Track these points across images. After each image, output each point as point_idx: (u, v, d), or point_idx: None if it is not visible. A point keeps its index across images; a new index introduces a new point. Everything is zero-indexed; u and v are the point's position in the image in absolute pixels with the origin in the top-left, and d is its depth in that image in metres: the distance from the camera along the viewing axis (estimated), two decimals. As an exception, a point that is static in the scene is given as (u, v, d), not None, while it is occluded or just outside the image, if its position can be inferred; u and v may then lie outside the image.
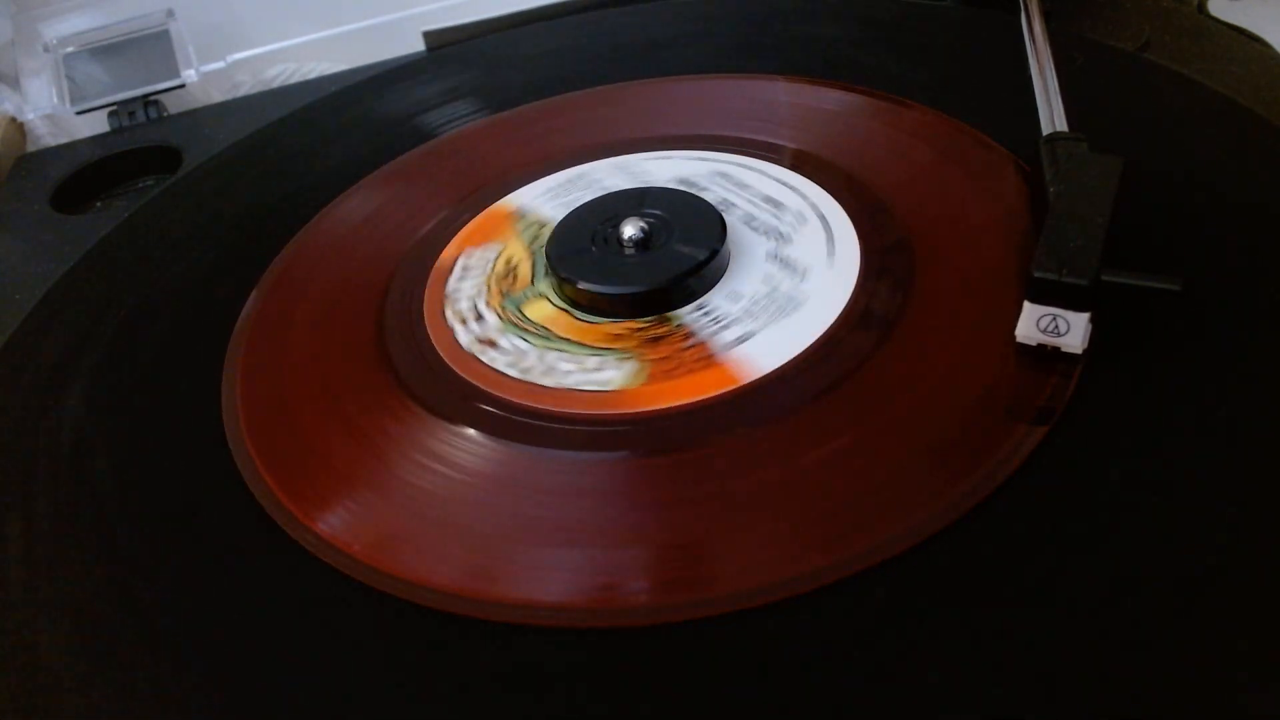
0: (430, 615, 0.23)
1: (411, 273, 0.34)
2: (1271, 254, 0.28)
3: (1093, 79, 0.36)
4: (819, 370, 0.27)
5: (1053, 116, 0.32)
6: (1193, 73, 0.37)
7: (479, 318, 0.31)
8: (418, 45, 0.50)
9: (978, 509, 0.23)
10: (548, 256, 0.32)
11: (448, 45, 0.50)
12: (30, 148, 0.49)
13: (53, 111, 0.49)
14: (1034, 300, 0.26)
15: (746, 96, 0.40)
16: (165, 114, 0.49)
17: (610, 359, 0.29)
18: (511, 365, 0.29)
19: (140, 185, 0.46)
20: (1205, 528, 0.22)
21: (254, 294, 0.34)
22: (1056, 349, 0.26)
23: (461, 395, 0.28)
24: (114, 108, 0.48)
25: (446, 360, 0.30)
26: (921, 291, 0.29)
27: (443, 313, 0.32)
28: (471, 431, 0.27)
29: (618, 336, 0.29)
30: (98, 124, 0.48)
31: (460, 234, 0.35)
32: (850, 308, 0.29)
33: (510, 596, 0.23)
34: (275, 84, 0.52)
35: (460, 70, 0.47)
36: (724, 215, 0.32)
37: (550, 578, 0.23)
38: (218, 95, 0.51)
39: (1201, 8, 0.45)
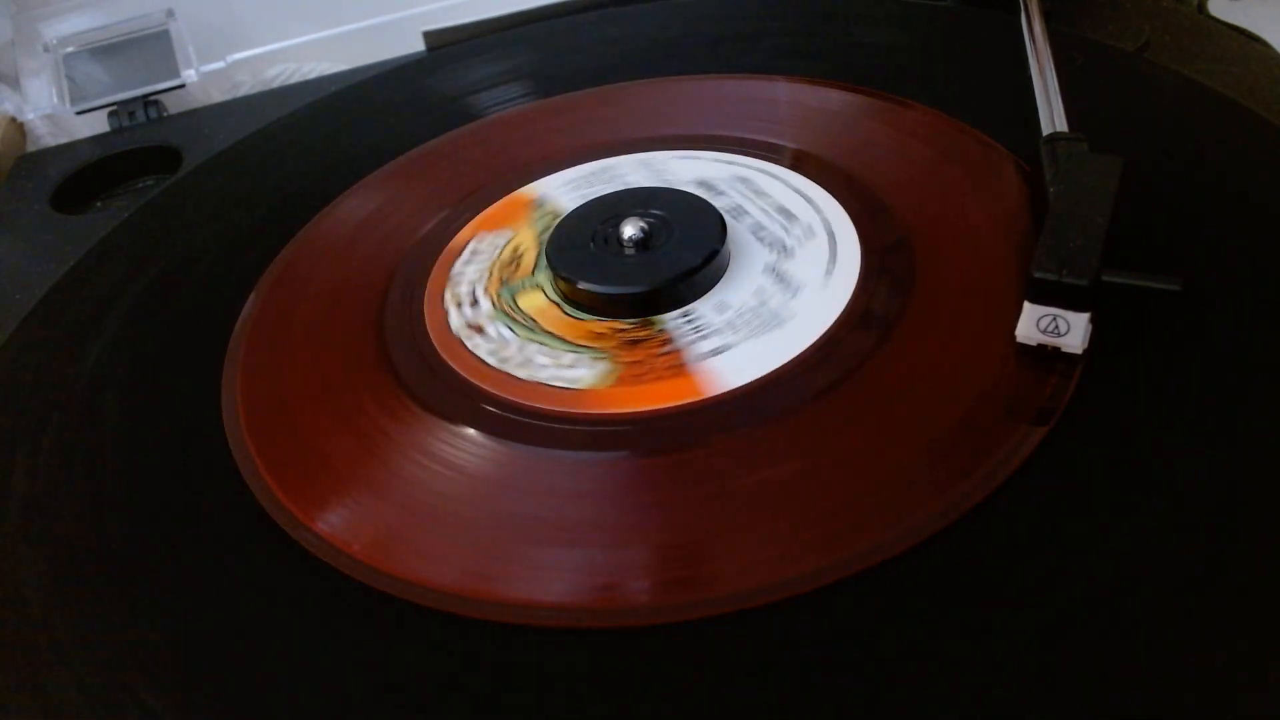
0: (430, 615, 0.23)
1: (416, 263, 0.34)
2: (1271, 254, 0.28)
3: (1093, 79, 0.36)
4: (819, 370, 0.27)
5: (1053, 116, 0.32)
6: (1193, 73, 0.37)
7: (474, 303, 0.31)
8: (418, 45, 0.50)
9: (978, 509, 0.23)
10: (546, 248, 0.32)
11: (448, 45, 0.50)
12: (30, 148, 0.49)
13: (53, 111, 0.49)
14: (1034, 300, 0.26)
15: (746, 96, 0.40)
16: (165, 114, 0.49)
17: (585, 357, 0.29)
18: (492, 354, 0.29)
19: (140, 185, 0.46)
20: (1205, 527, 0.22)
21: (254, 294, 0.34)
22: (1057, 349, 0.26)
23: (462, 395, 0.28)
24: (114, 108, 0.48)
25: (434, 342, 0.30)
26: (921, 291, 0.29)
27: (443, 294, 0.32)
28: (472, 431, 0.27)
29: (599, 335, 0.29)
30: (98, 124, 0.48)
31: (478, 217, 0.35)
32: (846, 316, 0.28)
33: (510, 596, 0.23)
34: (275, 84, 0.52)
35: (462, 70, 0.47)
36: (733, 222, 0.31)
37: (550, 578, 0.23)
38: (218, 95, 0.51)
39: (1201, 8, 0.45)
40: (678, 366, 0.28)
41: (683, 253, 0.30)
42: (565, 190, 0.36)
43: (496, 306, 0.31)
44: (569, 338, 0.29)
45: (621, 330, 0.29)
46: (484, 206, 0.36)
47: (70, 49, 0.50)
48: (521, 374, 0.28)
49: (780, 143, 0.36)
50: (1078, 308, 0.25)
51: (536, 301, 0.31)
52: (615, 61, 0.44)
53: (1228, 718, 0.19)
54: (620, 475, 0.26)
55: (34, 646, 0.23)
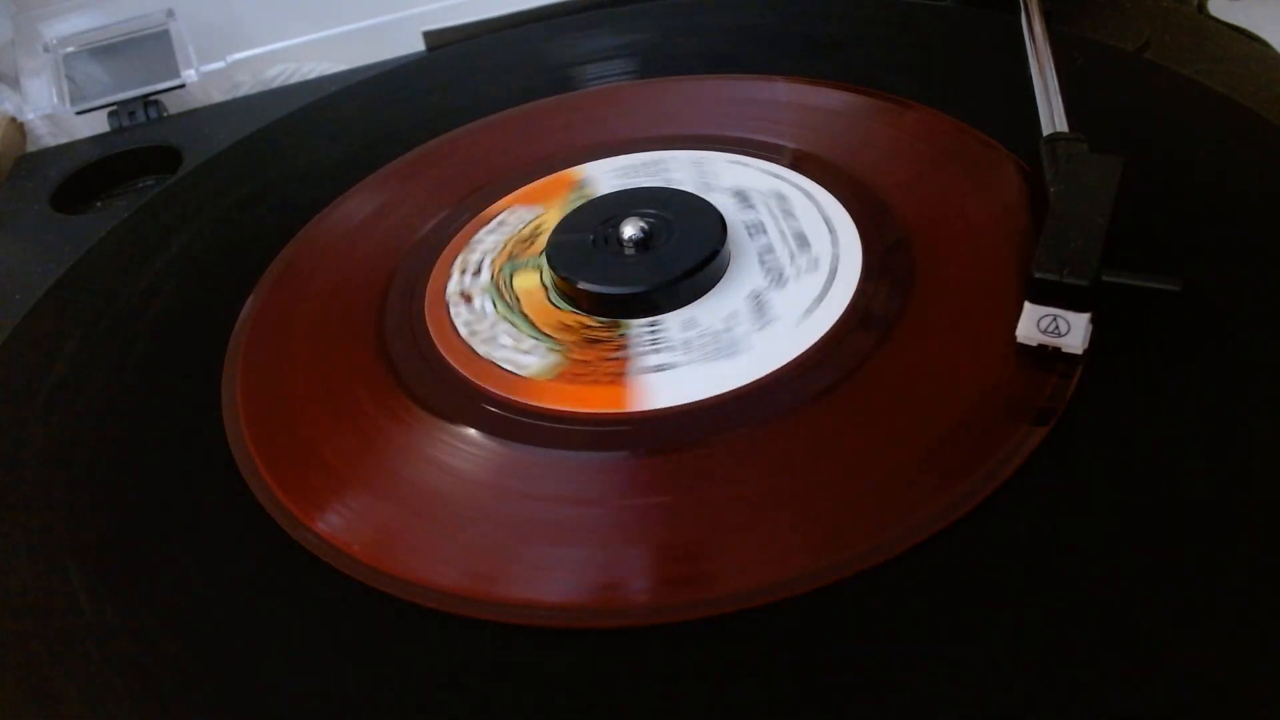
0: (430, 615, 0.23)
1: (416, 262, 0.34)
2: (1271, 254, 0.28)
3: (1093, 79, 0.36)
4: (819, 370, 0.27)
5: (1053, 116, 0.32)
6: (1193, 73, 0.37)
7: (477, 272, 0.31)
8: (418, 45, 0.50)
9: (978, 509, 0.23)
10: (551, 234, 0.32)
11: (448, 45, 0.50)
12: (30, 148, 0.49)
13: (53, 111, 0.49)
14: (1034, 300, 0.26)
15: (746, 96, 0.40)
16: (165, 114, 0.49)
17: (543, 346, 0.29)
18: (466, 325, 0.29)
19: (140, 185, 0.46)
20: (1205, 527, 0.22)
21: (254, 294, 0.34)
22: (1057, 349, 0.26)
23: (463, 394, 0.28)
24: (114, 108, 0.48)
25: (426, 306, 0.30)
26: (922, 291, 0.29)
27: (455, 259, 0.32)
28: (473, 432, 0.27)
29: (565, 328, 0.30)
30: (98, 124, 0.48)
31: (519, 190, 0.36)
32: (808, 355, 0.27)
33: (510, 596, 0.23)
34: (275, 84, 0.52)
35: (462, 69, 0.47)
36: (746, 239, 0.31)
37: (550, 578, 0.23)
38: (218, 95, 0.51)
39: (1201, 8, 0.45)
40: (618, 375, 0.28)
41: (670, 263, 0.30)
42: (610, 176, 0.36)
43: (493, 280, 0.31)
44: (538, 323, 0.30)
45: (588, 327, 0.30)
46: (484, 206, 0.36)
47: (70, 49, 0.50)
48: (481, 349, 0.29)
49: (779, 143, 0.36)
50: (1078, 308, 0.25)
51: (529, 283, 0.31)
52: (550, 75, 0.44)
53: (1228, 718, 0.18)
54: (620, 475, 0.26)
55: (34, 646, 0.23)
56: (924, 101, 0.37)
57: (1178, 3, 0.44)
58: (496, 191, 0.37)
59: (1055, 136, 0.31)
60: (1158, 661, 0.19)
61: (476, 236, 0.33)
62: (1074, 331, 0.25)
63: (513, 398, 0.28)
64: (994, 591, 0.21)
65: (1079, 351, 0.25)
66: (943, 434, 0.25)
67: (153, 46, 0.50)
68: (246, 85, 0.52)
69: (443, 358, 0.30)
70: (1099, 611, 0.20)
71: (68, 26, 0.52)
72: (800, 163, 0.35)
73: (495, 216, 0.34)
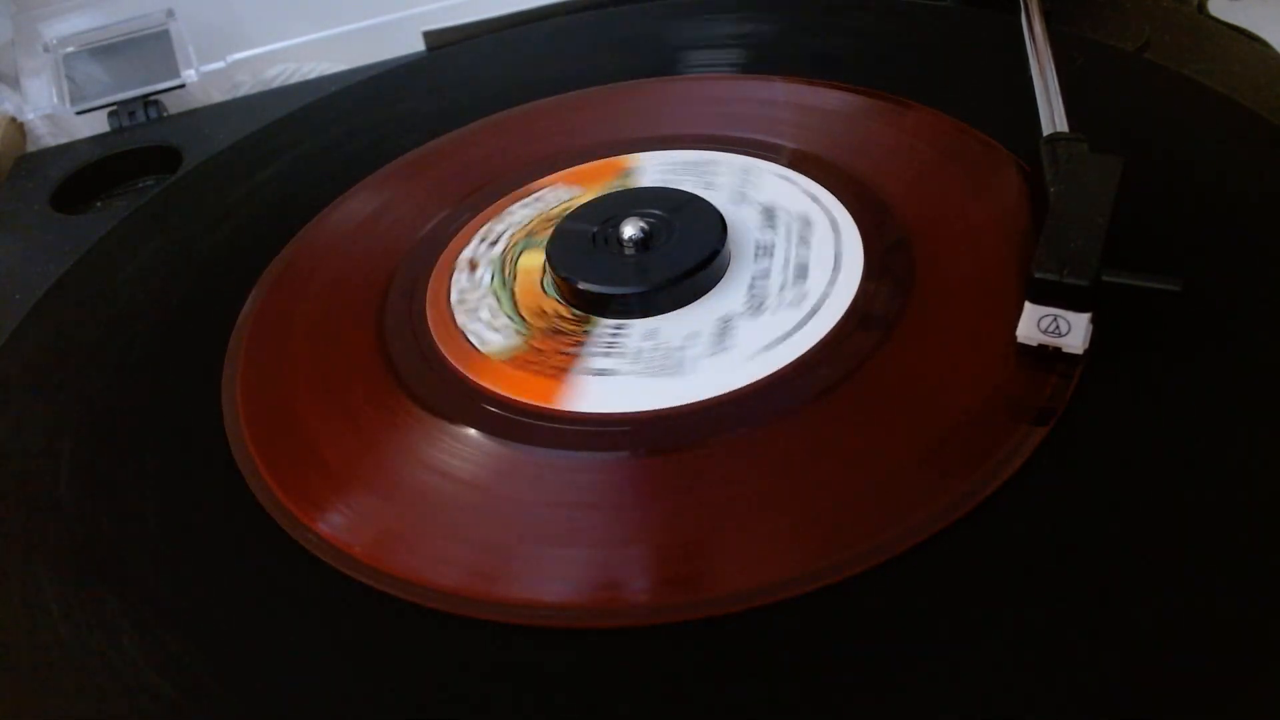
0: (430, 615, 0.23)
1: (417, 262, 0.34)
2: (1271, 254, 0.28)
3: (1093, 79, 0.36)
4: (819, 370, 0.27)
5: (1053, 116, 0.32)
6: (1193, 73, 0.37)
7: (494, 242, 0.31)
8: (418, 45, 0.50)
9: (978, 509, 0.23)
10: (560, 220, 0.32)
11: (448, 45, 0.50)
12: (30, 148, 0.49)
13: (53, 111, 0.49)
14: (1034, 301, 0.26)
15: (746, 96, 0.40)
16: (165, 114, 0.49)
17: (512, 327, 0.29)
18: (460, 292, 0.30)
19: (140, 185, 0.46)
20: (1205, 527, 0.22)
21: (254, 293, 0.34)
22: (1057, 349, 0.26)
23: (463, 395, 0.28)
24: (114, 108, 0.48)
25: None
26: (922, 291, 0.29)
27: (479, 229, 0.33)
28: (473, 432, 0.27)
29: (541, 313, 0.30)
30: (98, 124, 0.48)
31: (568, 170, 0.36)
32: (757, 384, 0.27)
33: (510, 597, 0.23)
34: (275, 84, 0.52)
35: (462, 69, 0.47)
36: (752, 261, 0.31)
37: (550, 578, 0.23)
38: (218, 95, 0.51)
39: (1201, 8, 0.45)
40: (560, 370, 0.28)
41: (653, 270, 0.30)
42: (658, 169, 0.36)
43: (505, 253, 0.31)
44: (520, 304, 0.30)
45: (561, 317, 0.30)
46: (485, 205, 0.36)
47: (70, 49, 0.50)
48: (460, 319, 0.29)
49: (779, 143, 0.36)
50: (1078, 308, 0.25)
51: (533, 262, 0.31)
52: (551, 72, 0.44)
53: (1228, 718, 0.18)
54: (620, 475, 0.26)
55: (38, 647, 0.23)
56: (924, 101, 0.37)
57: (1178, 3, 0.44)
58: (496, 191, 0.37)
59: (1055, 136, 0.31)
60: (1158, 661, 0.19)
61: (510, 208, 0.33)
62: (1074, 331, 0.25)
63: (458, 369, 0.28)
64: (994, 591, 0.21)
65: (1079, 351, 0.25)
66: (943, 434, 0.25)
67: (153, 46, 0.50)
68: (246, 85, 0.52)
69: (443, 357, 0.30)
70: (1099, 611, 0.20)
71: (68, 26, 0.52)
72: (800, 163, 0.35)
73: (536, 192, 0.34)
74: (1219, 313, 0.26)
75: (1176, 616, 0.20)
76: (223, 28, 0.52)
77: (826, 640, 0.21)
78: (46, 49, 0.51)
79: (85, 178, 0.45)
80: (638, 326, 0.29)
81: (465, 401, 0.28)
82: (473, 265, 0.30)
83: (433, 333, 0.30)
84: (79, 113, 0.48)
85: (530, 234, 0.32)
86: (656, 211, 0.32)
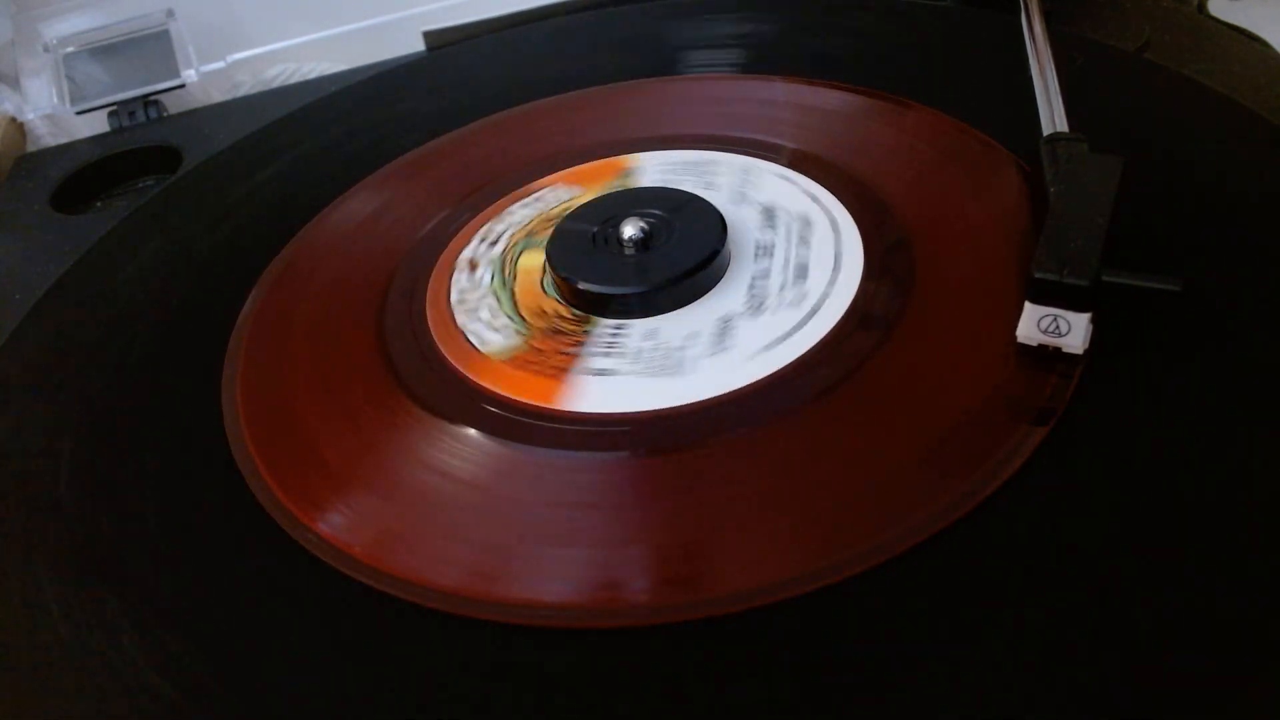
0: (430, 615, 0.23)
1: (417, 262, 0.34)
2: (1271, 254, 0.28)
3: (1093, 79, 0.36)
4: (819, 370, 0.27)
5: (1053, 116, 0.32)
6: (1193, 73, 0.37)
7: (494, 242, 0.31)
8: (418, 45, 0.50)
9: (978, 509, 0.23)
10: (561, 220, 0.32)
11: (448, 45, 0.50)
12: (30, 148, 0.49)
13: (53, 111, 0.49)
14: (1035, 301, 0.26)
15: (745, 96, 0.40)
16: (165, 114, 0.49)
17: (512, 327, 0.29)
18: (460, 292, 0.30)
19: (140, 185, 0.46)
20: (1205, 527, 0.22)
21: (254, 293, 0.34)
22: (1057, 349, 0.26)
23: (463, 395, 0.28)
24: (114, 108, 0.48)
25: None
26: (922, 291, 0.29)
27: (479, 229, 0.33)
28: (473, 432, 0.27)
29: (541, 313, 0.30)
30: (98, 124, 0.48)
31: (568, 170, 0.36)
32: (758, 384, 0.27)
33: (510, 597, 0.23)
34: (275, 84, 0.52)
35: (462, 69, 0.47)
36: (751, 260, 0.31)
37: (550, 578, 0.23)
38: (218, 95, 0.51)
39: (1201, 8, 0.45)
40: (561, 370, 0.28)
41: (653, 270, 0.30)
42: (658, 169, 0.36)
43: (505, 253, 0.31)
44: (520, 304, 0.30)
45: (561, 317, 0.30)
46: (485, 205, 0.36)
47: (70, 49, 0.50)
48: (460, 319, 0.29)
49: (779, 142, 0.36)
50: (1078, 308, 0.25)
51: (533, 262, 0.31)
52: (551, 73, 0.44)
53: (1228, 718, 0.18)
54: (620, 475, 0.26)
55: (38, 647, 0.23)
56: (924, 101, 0.37)
57: (1178, 3, 0.44)
58: (496, 191, 0.37)
59: (1055, 136, 0.31)
60: (1158, 661, 0.19)
61: (510, 208, 0.33)
62: (1074, 331, 0.25)
63: (458, 369, 0.28)
64: (994, 591, 0.21)
65: (1079, 351, 0.25)
66: (943, 434, 0.25)
67: (153, 46, 0.50)
68: (246, 85, 0.52)
69: (443, 357, 0.30)
70: (1099, 611, 0.20)
71: (68, 26, 0.52)
72: (800, 163, 0.35)
73: (536, 191, 0.34)
74: (1219, 313, 0.26)
75: (1176, 616, 0.20)
76: (223, 28, 0.52)
77: (826, 640, 0.21)
78: (46, 49, 0.51)
79: (85, 178, 0.45)
80: (638, 326, 0.29)
81: (465, 401, 0.28)
82: (473, 265, 0.30)
83: (433, 333, 0.30)
84: (79, 113, 0.48)
85: (530, 234, 0.33)
86: (656, 211, 0.32)
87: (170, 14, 0.51)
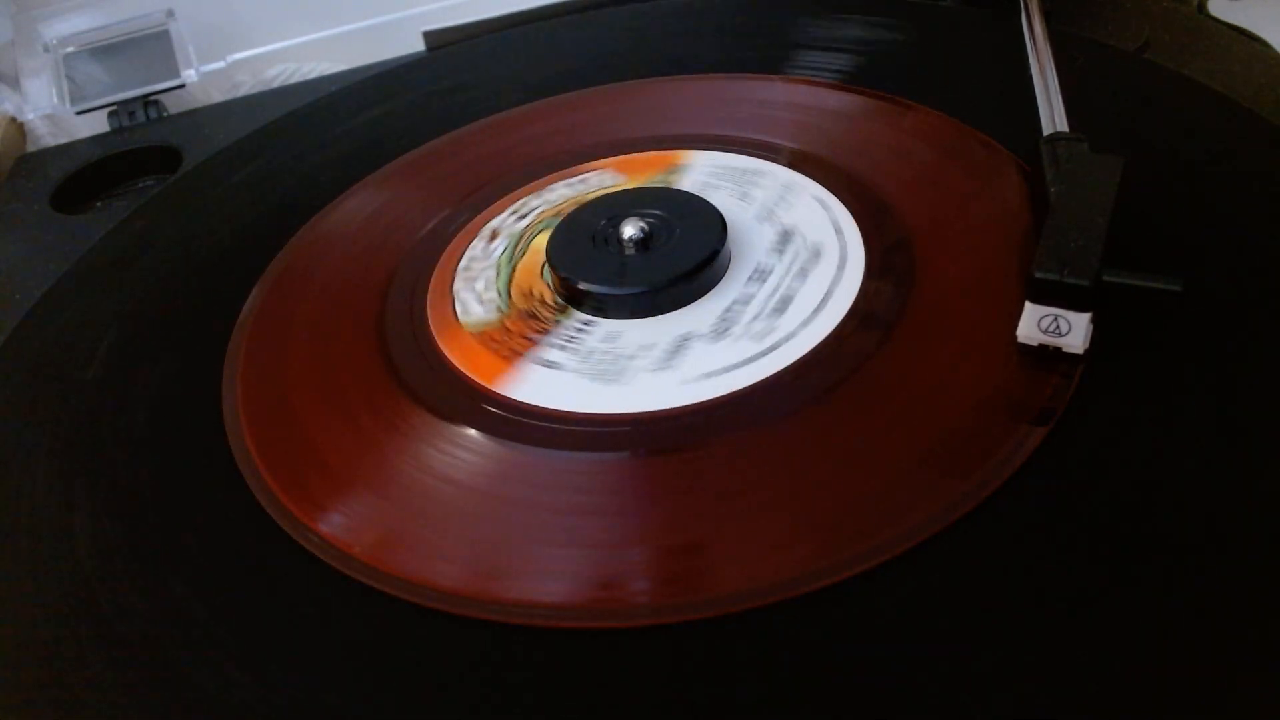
0: (430, 615, 0.23)
1: (417, 261, 0.34)
2: (1272, 254, 0.28)
3: (1093, 79, 0.36)
4: (820, 371, 0.27)
5: (1053, 116, 0.32)
6: (1193, 73, 0.37)
7: (524, 216, 0.32)
8: (418, 45, 0.50)
9: (978, 509, 0.23)
10: (572, 211, 0.32)
11: (448, 45, 0.50)
12: (30, 148, 0.49)
13: (53, 111, 0.49)
14: (1035, 300, 0.26)
15: (745, 96, 0.40)
16: (165, 114, 0.49)
17: (496, 303, 0.30)
18: (470, 260, 0.31)
19: (140, 185, 0.46)
20: (1205, 527, 0.22)
21: (254, 293, 0.34)
22: (1058, 349, 0.26)
23: (463, 394, 0.28)
24: (114, 108, 0.48)
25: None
26: (922, 291, 0.29)
27: (515, 201, 0.34)
28: (473, 432, 0.27)
29: (526, 295, 0.30)
30: (98, 124, 0.48)
31: (618, 157, 0.36)
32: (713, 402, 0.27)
33: (510, 596, 0.23)
34: (275, 84, 0.52)
35: (462, 69, 0.47)
36: (744, 283, 0.30)
37: (550, 578, 0.23)
38: (218, 95, 0.51)
39: (1201, 8, 0.45)
40: (516, 354, 0.29)
41: (640, 274, 0.30)
42: (706, 171, 0.35)
43: (526, 229, 0.31)
44: (514, 282, 0.31)
45: (544, 303, 0.30)
46: (485, 205, 0.36)
47: (70, 49, 0.50)
48: (457, 286, 0.30)
49: (779, 142, 0.36)
50: (1079, 308, 0.25)
51: (544, 243, 0.32)
52: (555, 72, 0.44)
53: (1228, 717, 0.18)
54: (621, 475, 0.26)
55: (39, 648, 0.23)
56: (924, 102, 0.37)
57: (1178, 3, 0.44)
58: (497, 191, 0.37)
59: (1055, 136, 0.31)
60: (1158, 661, 0.19)
61: (552, 185, 0.34)
62: (1075, 331, 0.25)
63: (429, 335, 0.29)
64: (994, 591, 0.21)
65: (1080, 351, 0.25)
66: (943, 434, 0.25)
67: (153, 46, 0.50)
68: (246, 85, 0.52)
69: (443, 357, 0.30)
70: (1099, 611, 0.20)
71: (68, 26, 0.52)
72: (800, 163, 0.35)
73: (582, 174, 0.35)
74: (1219, 313, 0.26)
75: (1176, 616, 0.20)
76: (223, 28, 0.52)
77: (826, 640, 0.21)
78: (46, 49, 0.51)
79: (85, 178, 0.45)
80: (604, 327, 0.29)
81: (466, 402, 0.28)
82: (494, 235, 0.31)
83: (433, 333, 0.30)
84: (79, 113, 0.48)
85: (559, 214, 0.33)
86: (656, 212, 0.31)
87: (170, 14, 0.51)
